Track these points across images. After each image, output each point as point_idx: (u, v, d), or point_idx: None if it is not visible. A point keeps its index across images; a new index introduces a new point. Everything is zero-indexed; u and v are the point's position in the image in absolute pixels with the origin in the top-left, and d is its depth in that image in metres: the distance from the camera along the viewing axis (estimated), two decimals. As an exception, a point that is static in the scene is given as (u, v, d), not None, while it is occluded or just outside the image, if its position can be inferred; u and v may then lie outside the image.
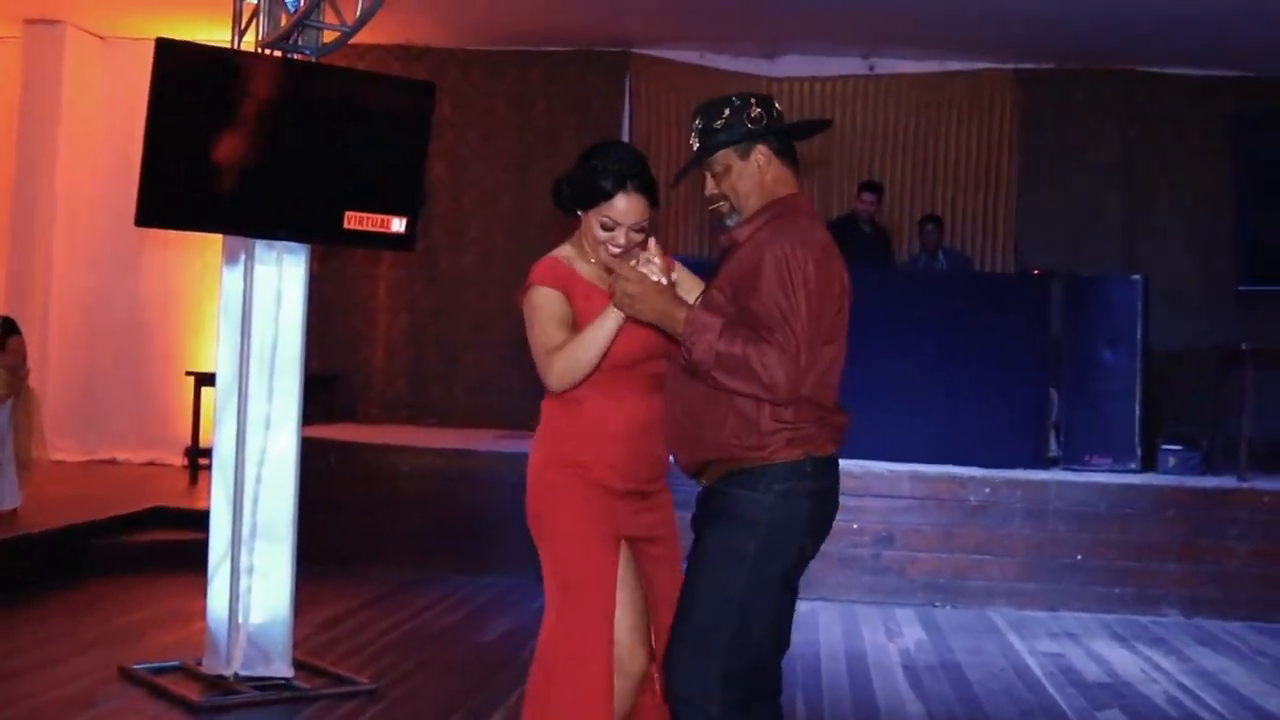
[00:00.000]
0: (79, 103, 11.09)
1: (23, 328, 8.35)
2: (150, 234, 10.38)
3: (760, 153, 3.22)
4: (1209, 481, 8.32)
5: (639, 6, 9.94)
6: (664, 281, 3.10)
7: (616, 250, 3.37)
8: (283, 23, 5.49)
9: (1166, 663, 6.65)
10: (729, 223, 3.26)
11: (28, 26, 11.10)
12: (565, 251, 3.55)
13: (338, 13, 5.56)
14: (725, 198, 3.25)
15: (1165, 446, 8.81)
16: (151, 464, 11.07)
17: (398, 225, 5.60)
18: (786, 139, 3.29)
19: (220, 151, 5.19)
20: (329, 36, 5.58)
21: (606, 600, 3.43)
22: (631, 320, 3.17)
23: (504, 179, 11.12)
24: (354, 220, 5.48)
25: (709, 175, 3.28)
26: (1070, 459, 8.66)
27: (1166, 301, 9.85)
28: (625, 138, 10.93)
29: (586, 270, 3.49)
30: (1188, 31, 9.46)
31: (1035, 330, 8.68)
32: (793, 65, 11.08)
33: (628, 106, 11.06)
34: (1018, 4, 9.26)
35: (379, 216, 5.54)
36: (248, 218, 5.32)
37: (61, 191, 11.05)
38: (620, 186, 3.36)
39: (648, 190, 3.41)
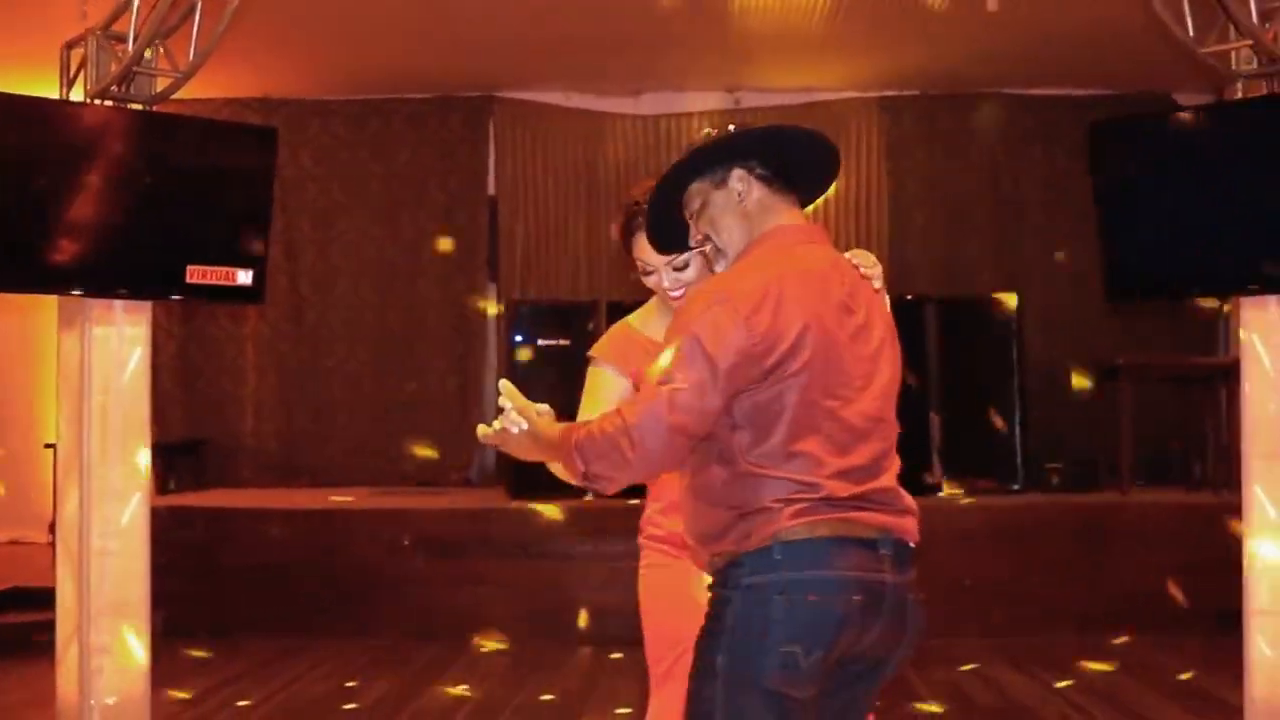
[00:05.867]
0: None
1: None
2: (1, 300, 10.01)
3: (738, 178, 2.75)
4: (1094, 498, 8.31)
5: (500, 50, 9.77)
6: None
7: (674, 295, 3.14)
8: (112, 71, 5.23)
9: (1061, 683, 6.56)
10: (718, 268, 2.79)
11: None
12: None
13: (171, 59, 5.32)
14: (709, 239, 2.78)
15: (1048, 465, 8.81)
16: (15, 542, 10.61)
17: (244, 277, 5.35)
18: (770, 158, 2.76)
19: (49, 207, 4.92)
20: (163, 83, 5.34)
21: None
22: None
23: (370, 231, 10.86)
24: (197, 274, 5.22)
25: (689, 218, 2.85)
26: (953, 483, 8.61)
27: (1042, 319, 9.89)
28: (491, 182, 10.79)
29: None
30: (1045, 53, 9.50)
31: (912, 355, 8.59)
32: (658, 102, 10.97)
33: (493, 151, 10.89)
34: (879, 33, 9.25)
35: (224, 269, 5.29)
36: (81, 276, 5.03)
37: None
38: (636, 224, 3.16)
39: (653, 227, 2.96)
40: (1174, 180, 5.24)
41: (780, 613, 2.47)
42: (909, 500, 2.64)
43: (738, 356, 2.49)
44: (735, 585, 2.53)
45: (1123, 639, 7.44)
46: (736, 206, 2.74)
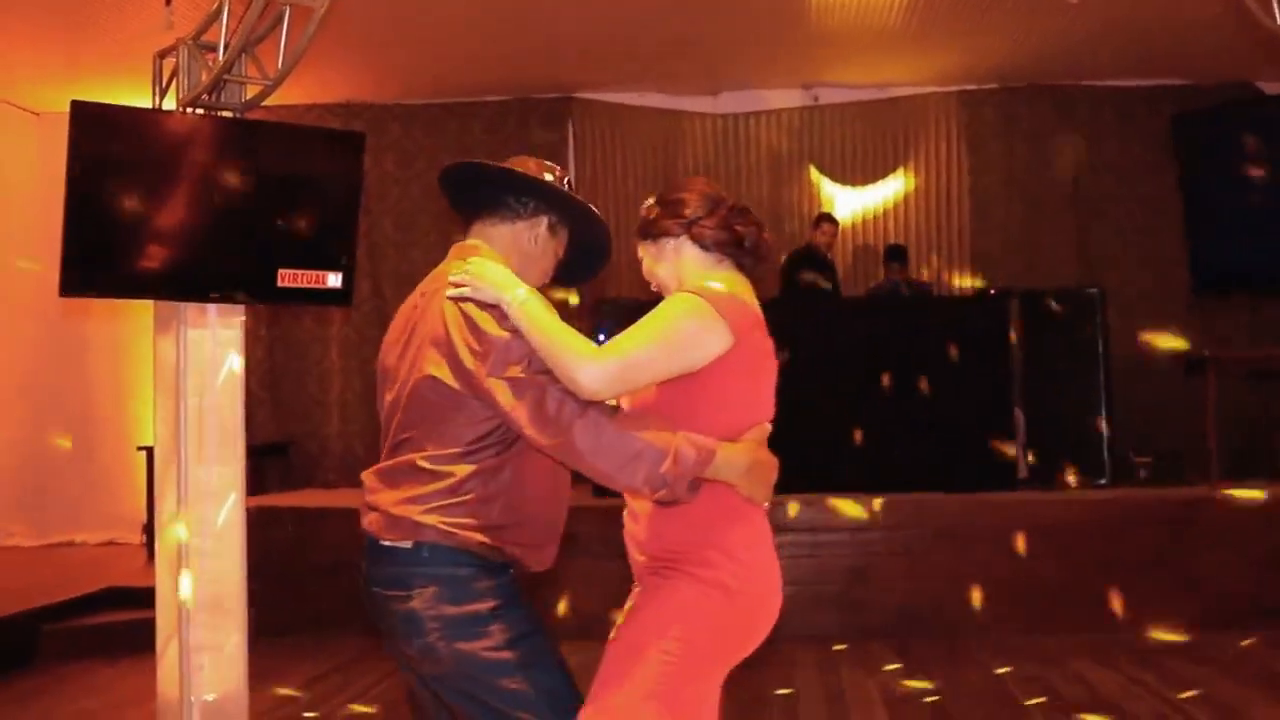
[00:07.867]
0: (14, 179, 10.88)
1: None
2: (94, 307, 10.23)
3: None
4: (1182, 491, 8.22)
5: (576, 52, 9.85)
6: None
7: None
8: (203, 80, 5.34)
9: (1151, 679, 6.51)
10: None
11: (-42, 106, 10.94)
12: None
13: (260, 66, 5.42)
14: None
15: (1135, 458, 8.73)
16: (110, 543, 10.82)
17: (334, 280, 5.45)
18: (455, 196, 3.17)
19: (145, 214, 5.03)
20: (252, 91, 5.44)
21: None
22: None
23: (451, 233, 10.88)
24: (288, 278, 5.34)
25: None
26: (1040, 477, 8.55)
27: (1125, 312, 9.79)
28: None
29: None
30: (1123, 43, 9.42)
31: (997, 350, 8.58)
32: (735, 101, 11.01)
33: (572, 151, 10.96)
34: (958, 27, 9.21)
35: (314, 272, 5.39)
36: (177, 281, 5.16)
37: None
38: None
39: None
40: (1261, 170, 5.19)
41: None
42: (378, 497, 2.79)
43: None
44: None
45: (1214, 633, 7.37)
46: None
